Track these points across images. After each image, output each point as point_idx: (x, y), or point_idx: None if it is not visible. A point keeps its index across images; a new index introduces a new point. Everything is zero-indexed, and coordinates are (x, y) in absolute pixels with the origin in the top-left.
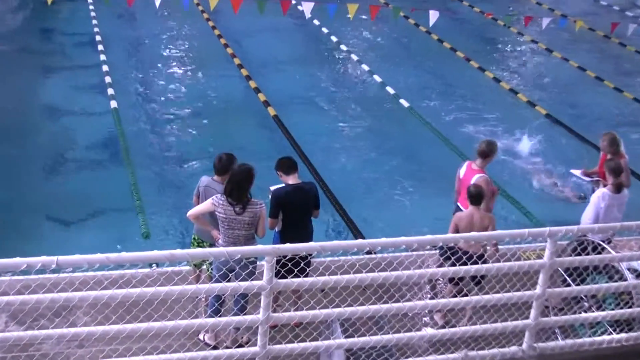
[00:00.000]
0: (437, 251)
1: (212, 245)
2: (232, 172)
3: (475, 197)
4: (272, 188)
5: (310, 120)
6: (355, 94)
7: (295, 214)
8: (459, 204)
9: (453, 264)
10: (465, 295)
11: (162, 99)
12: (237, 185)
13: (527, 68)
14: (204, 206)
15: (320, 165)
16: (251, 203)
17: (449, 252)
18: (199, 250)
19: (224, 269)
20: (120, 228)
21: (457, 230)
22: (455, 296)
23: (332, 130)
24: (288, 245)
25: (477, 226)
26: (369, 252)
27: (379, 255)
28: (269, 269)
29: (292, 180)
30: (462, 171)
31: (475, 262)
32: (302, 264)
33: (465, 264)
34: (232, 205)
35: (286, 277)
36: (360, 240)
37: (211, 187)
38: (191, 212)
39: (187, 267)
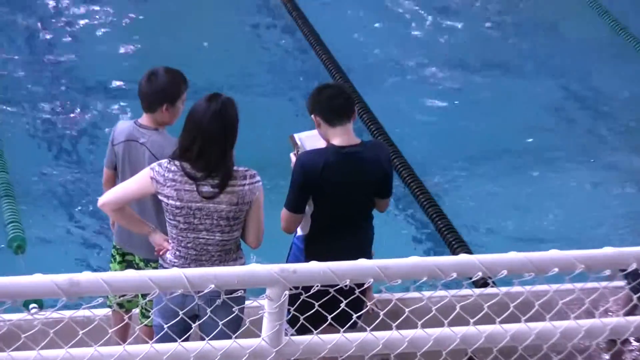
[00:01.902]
0: (624, 282)
1: (151, 263)
2: (192, 110)
3: None
4: (297, 138)
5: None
6: None
7: (340, 206)
8: None
9: None
10: None
11: None
12: (206, 138)
13: None
14: (133, 184)
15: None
16: (235, 176)
17: None
18: (127, 274)
19: (179, 313)
20: None
21: None
22: None
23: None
24: (317, 266)
25: None
26: (483, 284)
27: (504, 288)
28: (275, 314)
29: (340, 137)
30: None
31: None
32: (346, 301)
33: None
34: (195, 181)
35: (313, 330)
36: (464, 258)
37: (140, 143)
38: (108, 198)
39: (104, 310)
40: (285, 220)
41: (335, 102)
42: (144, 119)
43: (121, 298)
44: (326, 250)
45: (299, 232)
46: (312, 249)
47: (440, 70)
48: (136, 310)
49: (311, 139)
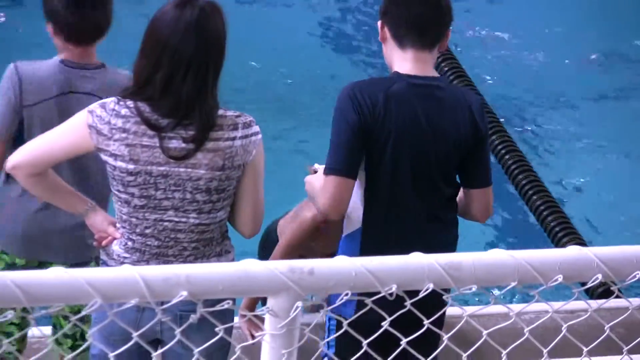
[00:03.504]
0: None
1: (82, 263)
2: (155, 20)
3: None
4: (320, 169)
5: None
6: None
7: (408, 173)
8: None
9: None
10: None
11: None
12: (175, 63)
13: None
14: (61, 137)
15: None
16: (220, 125)
17: None
18: (51, 274)
19: (133, 336)
20: None
21: None
22: None
23: None
24: (346, 264)
25: None
26: (605, 292)
27: (636, 300)
28: (280, 338)
29: (411, 64)
30: None
31: None
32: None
33: None
34: (159, 132)
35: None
36: (574, 252)
37: (87, 94)
38: (21, 158)
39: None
40: (331, 192)
41: (415, 9)
42: (75, 54)
43: (43, 312)
44: (383, 243)
45: (350, 216)
46: (370, 239)
47: None
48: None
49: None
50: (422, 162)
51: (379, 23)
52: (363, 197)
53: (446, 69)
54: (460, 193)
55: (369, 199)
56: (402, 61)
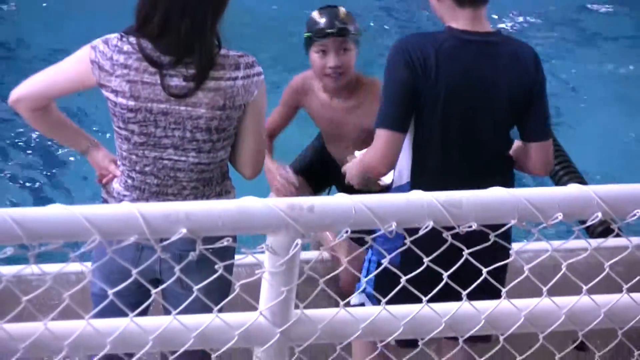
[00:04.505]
0: None
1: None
2: None
3: None
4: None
5: None
6: None
7: (460, 131)
8: None
9: None
10: None
11: None
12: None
13: None
14: (64, 72)
15: None
16: (221, 64)
17: None
18: (50, 210)
19: (132, 274)
20: None
21: None
22: None
23: None
24: (346, 201)
25: None
26: (604, 231)
27: (636, 239)
28: (280, 276)
29: (464, 21)
30: None
31: None
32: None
33: None
34: (160, 69)
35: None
36: (574, 189)
37: None
38: (25, 91)
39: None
40: (380, 146)
41: None
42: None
43: (43, 249)
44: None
45: (384, 180)
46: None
47: None
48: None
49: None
50: (474, 119)
51: None
52: (411, 152)
53: None
54: (517, 146)
55: (417, 154)
56: (458, 18)
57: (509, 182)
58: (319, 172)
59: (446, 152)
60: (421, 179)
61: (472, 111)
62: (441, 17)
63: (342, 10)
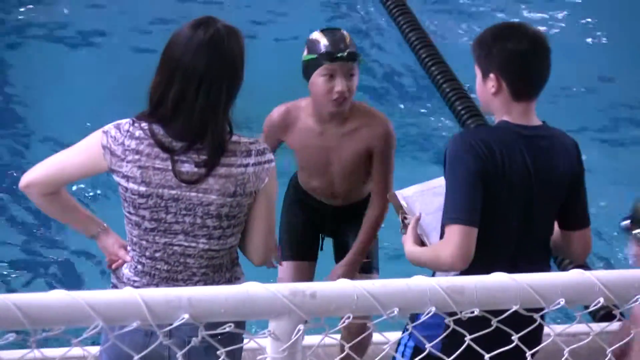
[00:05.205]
0: None
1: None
2: (170, 40)
3: None
4: (402, 197)
5: None
6: None
7: (518, 220)
8: None
9: None
10: None
11: None
12: (187, 81)
13: None
14: (75, 157)
15: None
16: (233, 150)
17: None
18: (53, 295)
19: (135, 357)
20: None
21: None
22: None
23: None
24: (348, 287)
25: None
26: (605, 315)
27: None
28: (285, 358)
29: (516, 115)
30: None
31: None
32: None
33: None
34: (171, 154)
35: None
36: (576, 274)
37: None
38: (36, 176)
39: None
40: (457, 242)
41: (533, 63)
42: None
43: (45, 335)
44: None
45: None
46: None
47: None
48: None
49: (422, 198)
50: (531, 211)
51: (492, 75)
52: None
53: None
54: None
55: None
56: (511, 111)
57: (548, 267)
58: (308, 234)
59: (504, 242)
60: (472, 266)
61: (531, 203)
62: (492, 110)
63: (346, 33)
